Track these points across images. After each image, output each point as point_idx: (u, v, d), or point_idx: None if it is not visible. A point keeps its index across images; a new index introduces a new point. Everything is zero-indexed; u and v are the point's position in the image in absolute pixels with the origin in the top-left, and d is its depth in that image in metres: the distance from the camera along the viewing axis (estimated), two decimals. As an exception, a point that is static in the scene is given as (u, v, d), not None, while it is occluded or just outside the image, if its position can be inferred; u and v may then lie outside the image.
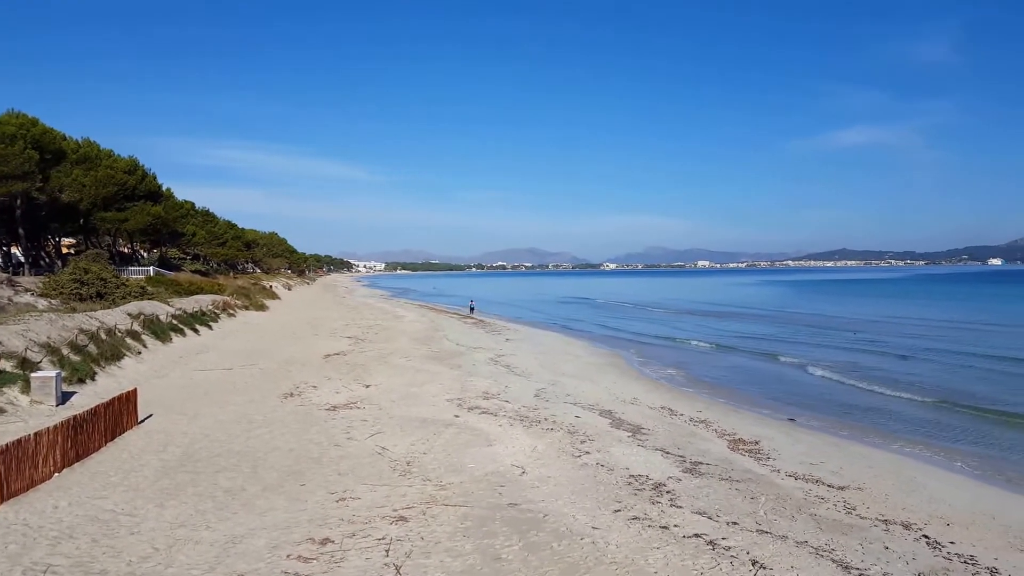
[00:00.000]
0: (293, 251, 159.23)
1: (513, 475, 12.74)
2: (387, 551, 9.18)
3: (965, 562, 9.90)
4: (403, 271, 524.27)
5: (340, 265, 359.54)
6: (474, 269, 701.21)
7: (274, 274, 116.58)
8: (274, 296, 65.18)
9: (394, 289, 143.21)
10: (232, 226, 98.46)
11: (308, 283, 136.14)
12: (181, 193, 76.02)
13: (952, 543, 10.70)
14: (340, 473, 12.75)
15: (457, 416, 17.65)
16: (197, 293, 43.50)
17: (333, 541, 9.52)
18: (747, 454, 15.90)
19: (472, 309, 66.86)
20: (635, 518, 10.72)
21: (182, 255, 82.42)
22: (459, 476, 12.58)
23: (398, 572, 8.58)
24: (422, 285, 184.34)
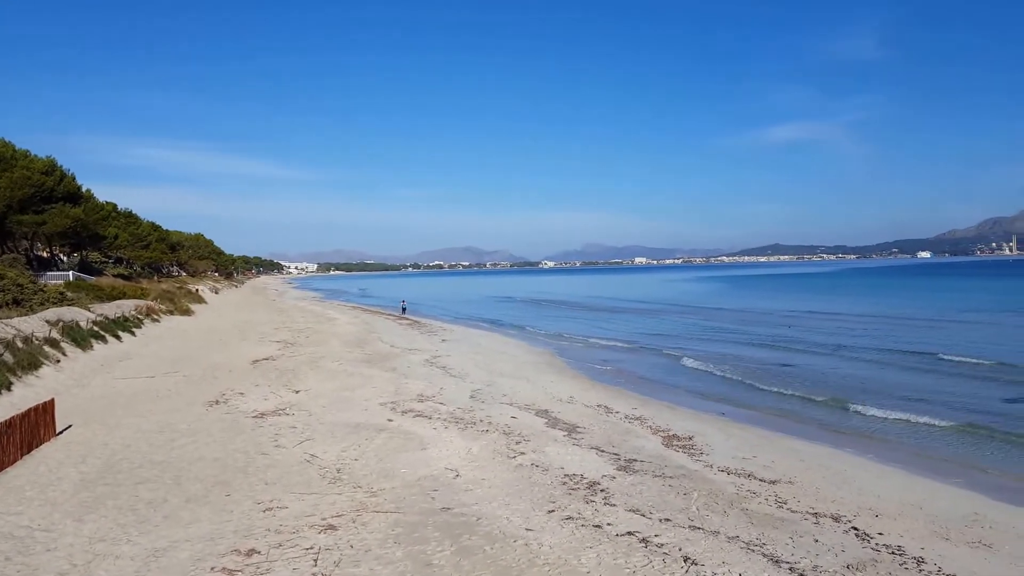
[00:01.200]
0: (220, 253, 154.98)
1: (447, 479, 12.54)
2: (315, 560, 8.89)
3: (893, 553, 10.08)
4: (336, 272, 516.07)
5: (270, 267, 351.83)
6: (410, 269, 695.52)
7: (201, 277, 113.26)
8: (200, 300, 63.25)
9: (326, 291, 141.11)
10: (156, 228, 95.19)
11: (236, 286, 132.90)
12: (102, 194, 72.95)
13: (880, 534, 10.90)
14: (267, 482, 12.34)
15: (390, 420, 17.33)
16: (120, 298, 41.80)
17: (259, 552, 9.18)
18: (681, 450, 16.05)
19: (404, 310, 66.36)
20: (569, 518, 10.65)
21: (104, 259, 79.30)
22: (391, 482, 12.30)
23: (326, 582, 8.32)
24: (355, 286, 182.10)
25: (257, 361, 27.92)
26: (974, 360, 30.57)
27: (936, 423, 19.54)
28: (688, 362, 31.93)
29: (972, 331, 43.00)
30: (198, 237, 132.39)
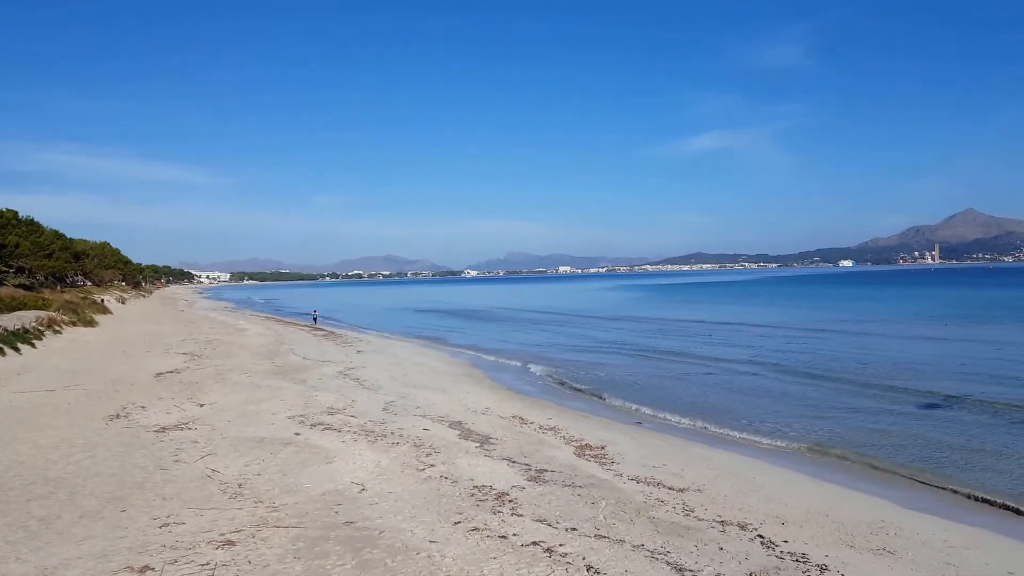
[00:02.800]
0: (128, 262, 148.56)
1: (352, 492, 12.24)
2: (210, 576, 8.57)
3: (797, 560, 10.27)
4: (250, 281, 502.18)
5: (180, 276, 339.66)
6: (328, 278, 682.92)
7: (107, 287, 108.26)
8: (106, 311, 60.45)
9: (239, 301, 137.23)
10: (60, 236, 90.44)
11: (144, 296, 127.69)
12: (2, 202, 69.16)
13: (785, 542, 11.10)
14: (165, 498, 11.80)
15: (297, 434, 16.84)
16: (19, 309, 39.55)
17: (153, 568, 8.75)
18: (592, 459, 16.13)
19: (315, 320, 65.31)
20: (475, 529, 10.53)
21: (4, 268, 74.85)
22: (294, 496, 11.93)
23: (219, 601, 8.02)
24: (269, 296, 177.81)
25: (161, 374, 26.79)
26: (883, 371, 31.93)
27: (840, 431, 20.29)
28: (612, 370, 32.32)
29: (883, 340, 44.98)
30: (104, 246, 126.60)
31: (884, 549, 11.05)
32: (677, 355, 38.76)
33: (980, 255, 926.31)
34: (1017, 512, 13.41)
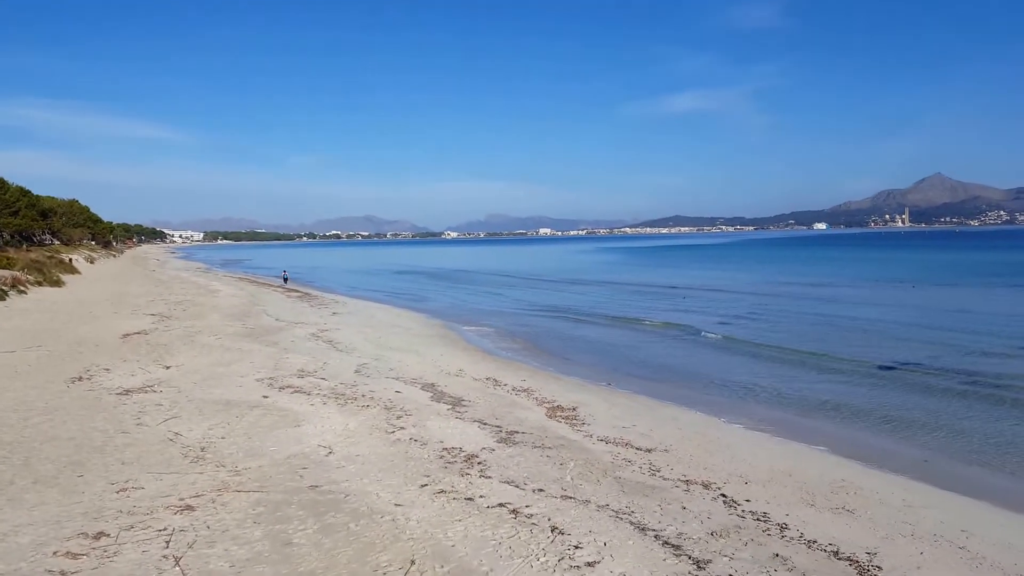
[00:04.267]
0: (98, 220, 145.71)
1: (318, 456, 12.14)
2: (167, 542, 8.44)
3: (758, 519, 10.39)
4: (225, 241, 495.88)
5: (153, 235, 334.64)
6: (305, 239, 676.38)
7: (75, 246, 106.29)
8: (74, 271, 59.46)
9: (212, 261, 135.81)
10: (26, 193, 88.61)
11: (115, 255, 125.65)
12: (-36, 157, 67.51)
13: (748, 501, 11.22)
14: (124, 462, 11.62)
15: (266, 397, 16.67)
16: (-19, 268, 38.80)
17: (108, 535, 8.61)
18: (563, 420, 16.17)
19: (286, 280, 64.76)
20: (442, 491, 10.50)
21: (-34, 227, 73.41)
22: (258, 460, 11.81)
23: (177, 564, 7.90)
24: (244, 256, 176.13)
25: (128, 335, 26.39)
26: (850, 334, 32.29)
27: (807, 392, 20.50)
28: (588, 332, 32.41)
29: (852, 304, 45.45)
30: (72, 203, 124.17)
31: (844, 508, 11.19)
32: (651, 318, 38.93)
33: (948, 219, 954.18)
34: (970, 473, 13.66)
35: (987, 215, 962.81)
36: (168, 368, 20.05)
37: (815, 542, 9.56)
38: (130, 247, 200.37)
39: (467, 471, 11.67)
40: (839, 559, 9.04)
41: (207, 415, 14.78)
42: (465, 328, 34.52)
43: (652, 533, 9.46)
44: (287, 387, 17.87)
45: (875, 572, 8.69)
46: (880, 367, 23.65)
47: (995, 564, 9.17)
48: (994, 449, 15.04)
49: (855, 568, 8.77)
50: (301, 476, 11.06)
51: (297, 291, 55.42)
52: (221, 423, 14.16)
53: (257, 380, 18.65)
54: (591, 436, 14.85)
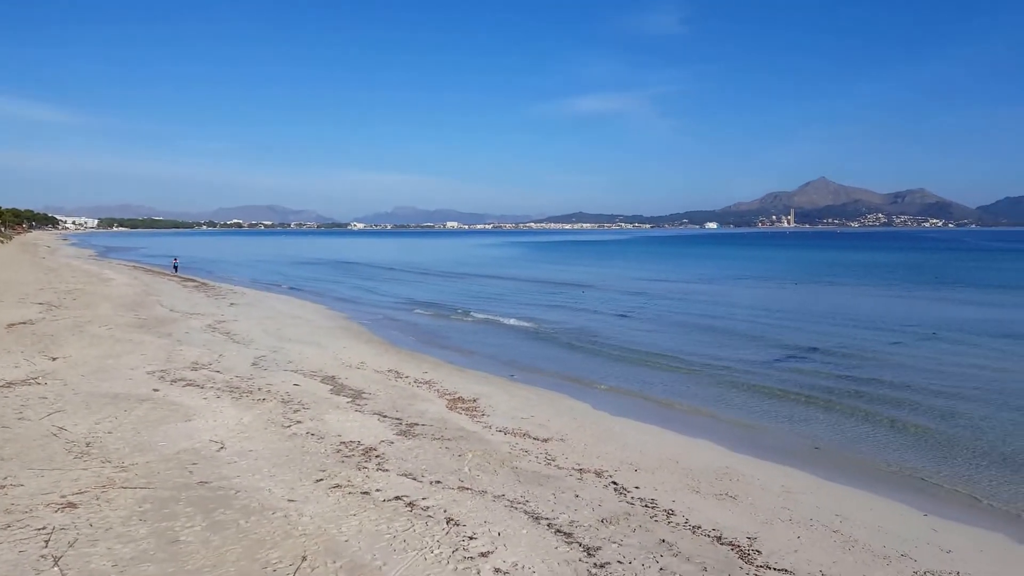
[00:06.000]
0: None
1: (210, 451, 11.83)
2: (47, 542, 8.09)
3: (646, 505, 10.78)
4: (120, 228, 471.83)
5: (44, 221, 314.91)
6: (205, 227, 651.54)
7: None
8: (-49, 257, 55.39)
9: (106, 248, 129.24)
10: None
11: (2, 242, 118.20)
12: None
13: (637, 488, 11.63)
14: (3, 458, 11.04)
15: (156, 390, 16.08)
16: None
17: (-18, 535, 8.18)
18: (464, 412, 16.27)
19: (176, 268, 62.63)
20: (337, 486, 10.42)
21: None
22: (146, 455, 11.41)
23: (56, 564, 7.60)
24: (140, 244, 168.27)
25: (13, 325, 24.88)
26: (738, 326, 33.68)
27: (694, 383, 21.31)
28: (490, 325, 32.58)
29: (741, 298, 47.41)
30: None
31: (727, 494, 11.74)
32: (551, 312, 39.55)
33: (830, 220, 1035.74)
34: (843, 460, 14.56)
35: (867, 217, 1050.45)
36: (55, 360, 19.03)
37: (700, 527, 10.02)
38: (19, 233, 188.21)
39: (364, 465, 11.62)
40: (722, 544, 9.49)
41: (94, 409, 14.14)
42: (369, 319, 34.16)
43: (545, 522, 9.69)
44: (179, 380, 17.28)
45: (755, 556, 9.18)
46: (765, 359, 24.82)
47: (866, 546, 9.81)
48: (856, 441, 16.06)
49: (736, 552, 9.24)
50: (191, 472, 10.75)
51: (194, 281, 53.40)
52: (108, 417, 13.58)
53: (148, 373, 17.95)
54: (490, 427, 15.02)
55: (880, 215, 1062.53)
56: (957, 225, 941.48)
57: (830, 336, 29.79)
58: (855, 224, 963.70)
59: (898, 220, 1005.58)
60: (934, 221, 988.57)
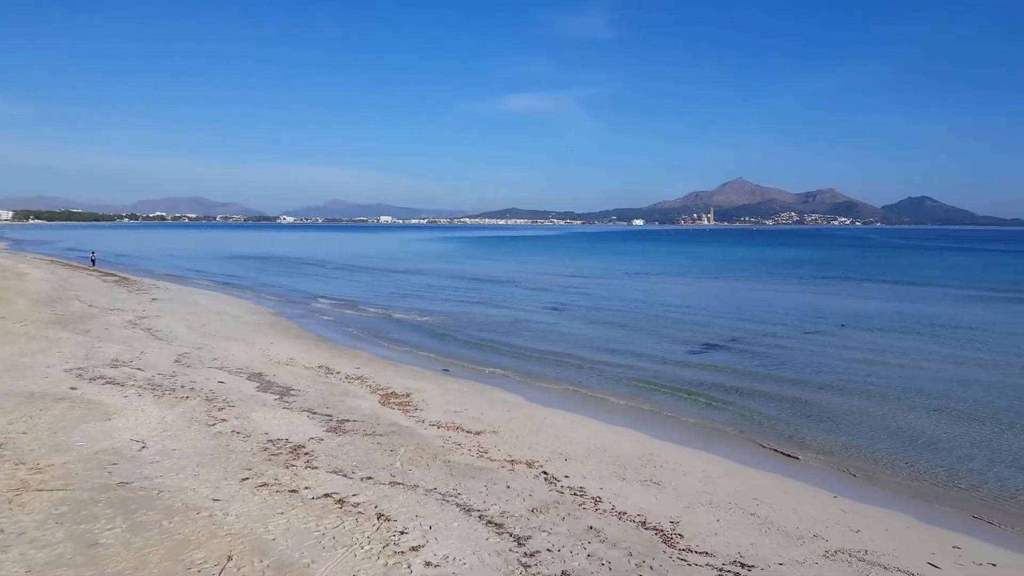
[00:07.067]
0: None
1: (131, 451, 11.48)
2: (-47, 551, 7.74)
3: (575, 494, 11.00)
4: (37, 221, 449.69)
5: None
6: (127, 220, 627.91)
7: None
8: None
9: (20, 241, 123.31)
10: None
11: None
12: None
13: (567, 476, 11.86)
14: (-96, 464, 10.47)
15: (74, 388, 15.49)
16: None
17: None
18: (397, 407, 16.22)
19: (93, 262, 60.54)
20: (264, 484, 10.26)
21: None
22: (63, 456, 10.99)
23: (-38, 575, 7.28)
24: (57, 237, 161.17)
25: (-88, 324, 23.58)
26: (664, 318, 34.48)
27: (625, 372, 21.74)
28: (422, 319, 32.45)
29: (665, 292, 48.48)
30: None
31: (651, 481, 12.08)
32: (485, 306, 39.70)
33: (747, 218, 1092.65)
34: (762, 446, 15.12)
35: (780, 216, 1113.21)
36: (-39, 360, 18.11)
37: (626, 513, 10.28)
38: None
39: (292, 462, 11.48)
40: (646, 529, 9.76)
41: (7, 409, 13.52)
42: (297, 314, 33.62)
43: (477, 513, 9.77)
44: (99, 378, 16.69)
45: (677, 540, 9.47)
46: (688, 350, 25.56)
47: (781, 528, 10.23)
48: (776, 425, 16.71)
49: (660, 537, 9.51)
50: (110, 472, 10.42)
51: (114, 275, 51.44)
52: (23, 417, 13.02)
53: (66, 371, 17.27)
54: (424, 422, 15.02)
55: (793, 214, 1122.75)
56: (863, 223, 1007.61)
57: (747, 328, 30.90)
58: (770, 222, 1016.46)
59: (809, 218, 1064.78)
60: (842, 219, 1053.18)
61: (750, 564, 8.86)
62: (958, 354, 24.96)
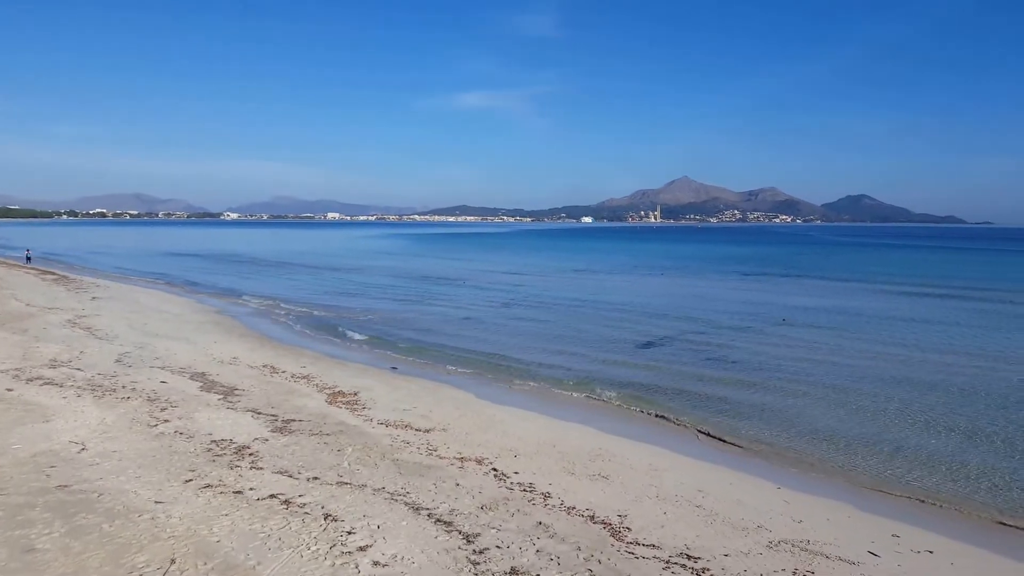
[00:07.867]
0: None
1: (69, 453, 11.17)
2: None
3: (525, 490, 11.09)
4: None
5: None
6: (66, 216, 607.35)
7: None
8: None
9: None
10: None
11: None
12: None
13: (516, 473, 11.93)
14: None
15: (10, 390, 14.98)
16: None
17: None
18: (344, 406, 16.08)
19: (29, 259, 58.89)
20: (208, 486, 10.09)
21: None
22: (-3, 460, 10.65)
23: None
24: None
25: None
26: (613, 314, 34.89)
27: (575, 368, 21.95)
28: (371, 317, 32.20)
29: (614, 289, 49.02)
30: None
31: (599, 475, 12.25)
32: (434, 301, 39.63)
33: (692, 216, 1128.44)
34: (708, 435, 15.47)
35: (724, 213, 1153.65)
36: None
37: (574, 508, 10.40)
38: None
39: (237, 463, 11.30)
40: (595, 523, 9.90)
41: (-66, 414, 13.03)
42: (242, 313, 33.05)
43: (425, 512, 9.77)
44: (36, 379, 16.17)
45: (625, 533, 9.63)
46: (637, 344, 25.90)
47: (726, 519, 10.49)
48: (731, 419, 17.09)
49: (608, 530, 9.66)
50: (48, 475, 10.12)
51: (52, 273, 49.80)
52: (-49, 422, 12.56)
53: (1, 371, 16.68)
54: (372, 420, 14.93)
55: (736, 212, 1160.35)
56: (804, 221, 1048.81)
57: (692, 323, 31.56)
58: (714, 220, 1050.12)
59: (752, 216, 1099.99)
60: (784, 217, 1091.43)
61: (696, 556, 9.06)
62: (892, 350, 25.82)
